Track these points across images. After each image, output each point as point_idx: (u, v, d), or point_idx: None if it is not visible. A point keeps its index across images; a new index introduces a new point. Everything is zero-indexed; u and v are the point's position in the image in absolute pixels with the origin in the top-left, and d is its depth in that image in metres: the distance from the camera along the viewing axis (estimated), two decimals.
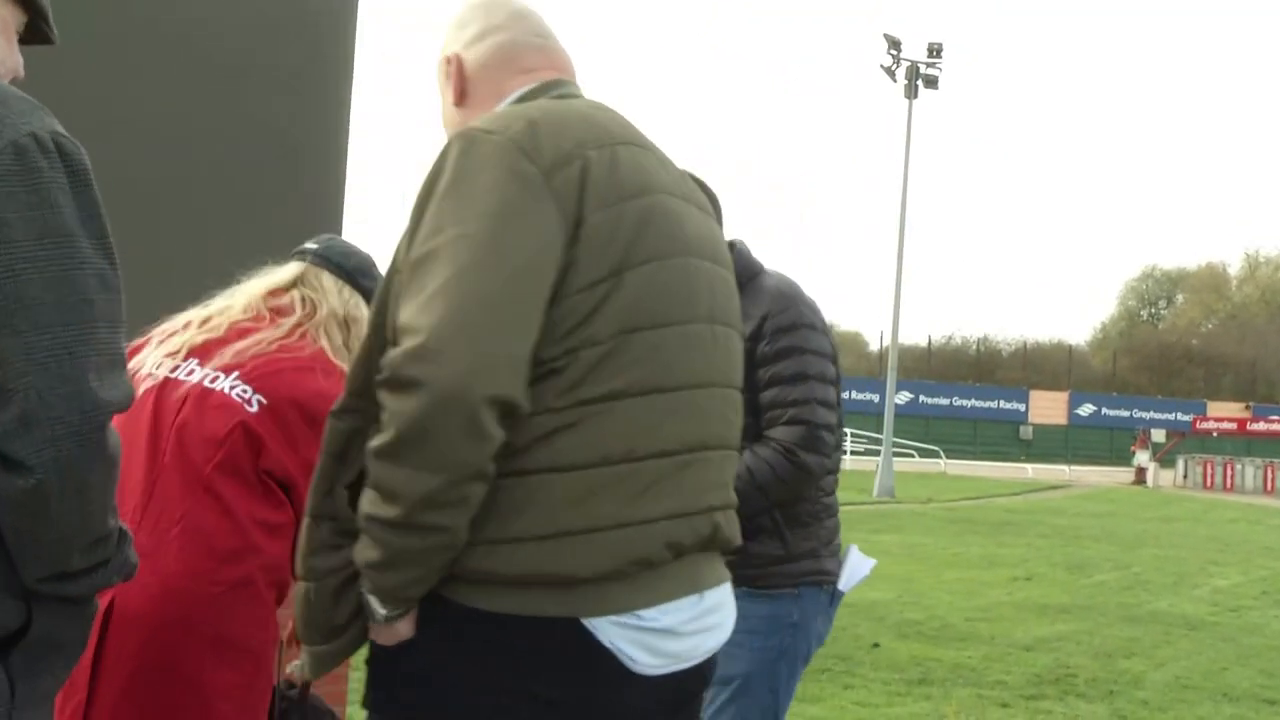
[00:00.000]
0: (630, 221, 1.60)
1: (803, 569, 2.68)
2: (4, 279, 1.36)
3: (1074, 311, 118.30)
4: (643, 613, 1.56)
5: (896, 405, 40.73)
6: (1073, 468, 41.29)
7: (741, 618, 2.48)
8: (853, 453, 38.77)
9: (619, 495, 1.55)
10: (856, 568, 2.86)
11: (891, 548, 14.45)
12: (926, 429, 46.19)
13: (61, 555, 1.43)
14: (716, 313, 1.70)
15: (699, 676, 1.69)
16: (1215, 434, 41.70)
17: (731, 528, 1.72)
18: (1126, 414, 49.92)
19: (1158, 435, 38.08)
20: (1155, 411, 49.74)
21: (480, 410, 1.44)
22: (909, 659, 7.48)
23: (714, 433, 1.67)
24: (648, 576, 1.57)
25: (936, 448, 41.39)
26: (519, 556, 1.51)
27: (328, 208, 4.17)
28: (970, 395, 50.76)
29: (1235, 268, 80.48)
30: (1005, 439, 48.89)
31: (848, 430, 40.05)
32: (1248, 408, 51.32)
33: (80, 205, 1.43)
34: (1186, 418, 45.94)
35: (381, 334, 1.60)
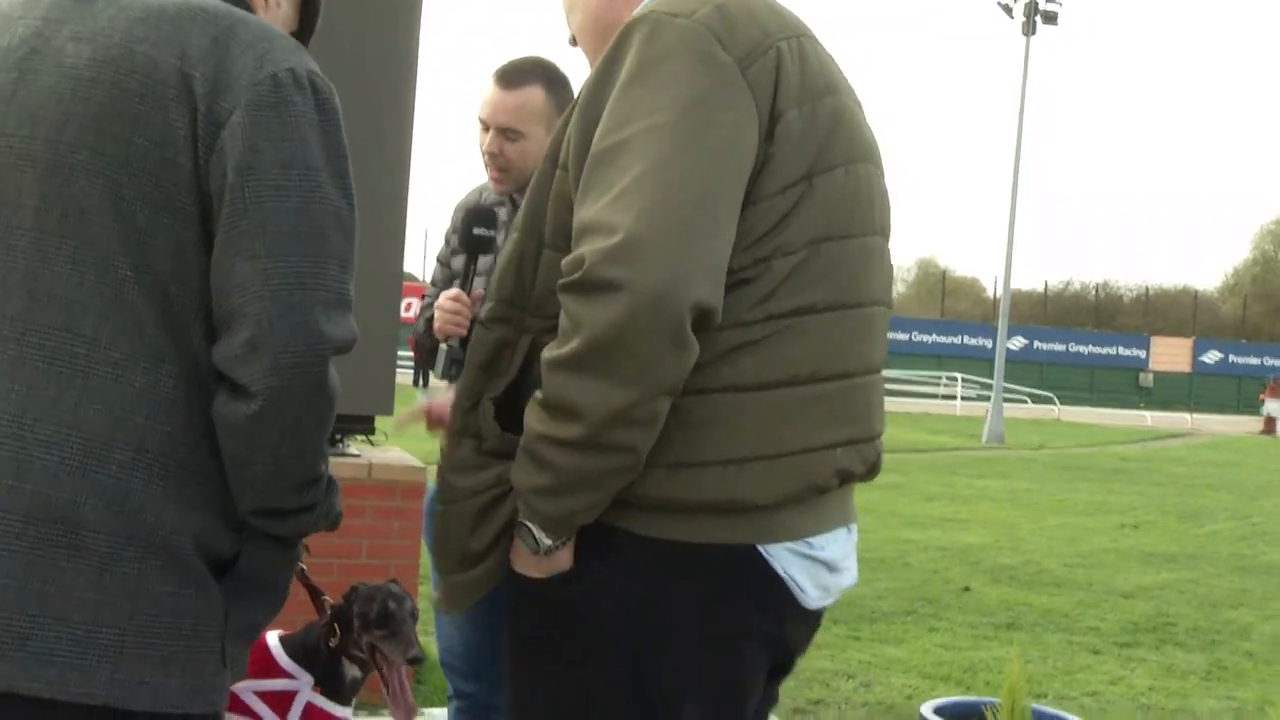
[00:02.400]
0: (823, 121, 1.48)
1: None
2: (251, 204, 1.34)
3: (1203, 257, 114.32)
4: (812, 540, 1.47)
5: (1011, 351, 39.87)
6: (1196, 416, 39.99)
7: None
8: (963, 398, 38.11)
9: (804, 418, 1.44)
10: None
11: (995, 493, 14.17)
12: (1041, 375, 45.10)
13: (274, 490, 1.40)
14: (884, 225, 1.60)
15: (819, 616, 1.61)
16: None
17: (880, 459, 1.60)
18: (1257, 361, 48.07)
19: None
20: None
21: (685, 317, 1.32)
22: (999, 603, 7.31)
23: (880, 354, 1.59)
24: (817, 502, 1.47)
25: (1051, 394, 40.46)
26: (702, 482, 1.41)
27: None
28: (1088, 341, 49.36)
29: None
30: (1124, 386, 47.53)
31: (959, 375, 39.44)
32: None
33: (327, 143, 1.41)
34: None
35: (537, 236, 1.49)
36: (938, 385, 40.89)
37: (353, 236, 1.42)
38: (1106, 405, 42.59)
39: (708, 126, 1.37)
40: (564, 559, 1.43)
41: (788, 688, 5.17)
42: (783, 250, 1.42)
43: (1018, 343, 46.08)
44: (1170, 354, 49.29)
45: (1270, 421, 35.47)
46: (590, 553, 1.43)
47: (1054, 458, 21.33)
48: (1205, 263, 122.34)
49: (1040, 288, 58.71)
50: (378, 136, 4.16)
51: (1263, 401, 36.83)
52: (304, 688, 2.04)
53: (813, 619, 1.54)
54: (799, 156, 1.44)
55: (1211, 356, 49.51)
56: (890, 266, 1.63)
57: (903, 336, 47.18)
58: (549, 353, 1.37)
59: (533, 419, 1.39)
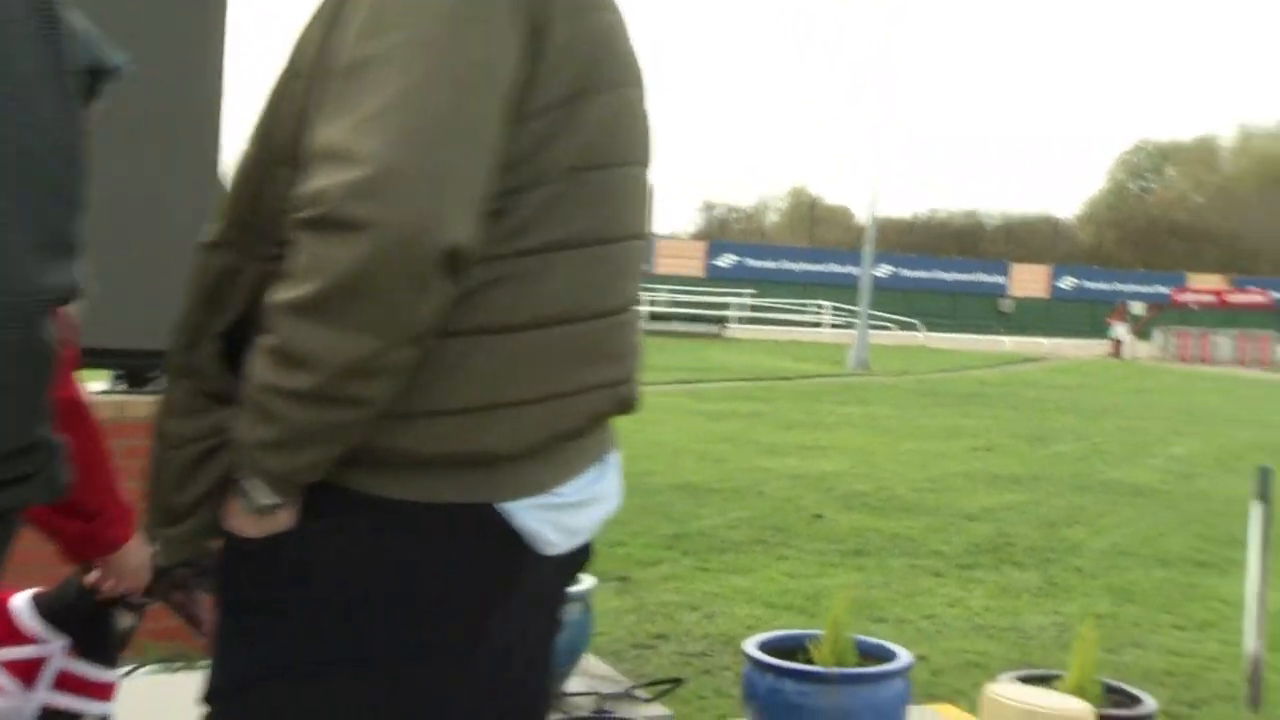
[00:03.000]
0: (594, 37, 1.36)
1: None
2: None
3: (1063, 186, 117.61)
4: (560, 489, 1.38)
5: (877, 279, 40.50)
6: (1051, 340, 41.40)
7: None
8: (831, 326, 38.79)
9: (556, 361, 1.34)
10: None
11: (855, 419, 14.45)
12: (906, 302, 46.10)
13: None
14: (646, 154, 1.49)
15: (584, 551, 1.53)
16: (1194, 306, 41.71)
17: (639, 391, 1.53)
18: (1108, 287, 49.85)
19: (1136, 308, 38.09)
20: (1137, 285, 49.63)
21: (438, 260, 1.20)
22: (849, 530, 7.44)
23: (636, 289, 1.50)
24: (567, 449, 1.38)
25: (915, 321, 41.39)
26: (437, 432, 1.29)
27: None
28: (951, 268, 50.58)
29: (1228, 140, 79.83)
30: (985, 312, 48.88)
31: (826, 303, 40.07)
32: (1229, 280, 51.29)
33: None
34: (1167, 291, 45.91)
35: (270, 151, 1.33)
36: (805, 313, 41.49)
37: (79, 164, 1.28)
38: (969, 331, 43.76)
39: (470, 41, 1.25)
40: (284, 518, 1.32)
41: (628, 623, 5.21)
42: (538, 180, 1.31)
43: (884, 270, 46.93)
44: (1029, 281, 50.81)
45: (1117, 344, 36.88)
46: (312, 511, 1.32)
47: (915, 383, 21.85)
48: (1066, 191, 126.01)
49: (908, 216, 59.81)
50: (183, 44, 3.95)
51: (1110, 325, 38.28)
52: (55, 653, 1.92)
53: (570, 559, 1.46)
54: (565, 75, 1.33)
55: (1068, 283, 51.19)
56: (648, 196, 1.57)
57: (772, 265, 47.72)
58: (280, 295, 1.23)
59: (259, 367, 1.26)
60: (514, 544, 1.34)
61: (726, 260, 47.69)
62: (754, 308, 41.47)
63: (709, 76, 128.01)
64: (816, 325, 39.97)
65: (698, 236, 56.33)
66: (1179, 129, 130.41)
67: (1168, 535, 7.78)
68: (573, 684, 2.93)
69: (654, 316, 36.47)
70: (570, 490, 1.38)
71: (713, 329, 36.23)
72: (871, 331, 28.24)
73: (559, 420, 1.35)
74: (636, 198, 1.46)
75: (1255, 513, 4.24)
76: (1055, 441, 13.15)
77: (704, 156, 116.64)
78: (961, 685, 4.52)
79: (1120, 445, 13.03)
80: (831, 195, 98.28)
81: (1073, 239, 64.13)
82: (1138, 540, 7.59)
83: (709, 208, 63.25)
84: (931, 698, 4.27)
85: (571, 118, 1.33)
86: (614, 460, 1.52)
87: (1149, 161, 79.78)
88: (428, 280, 1.20)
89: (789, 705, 3.02)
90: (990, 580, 6.33)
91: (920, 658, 4.90)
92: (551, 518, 1.36)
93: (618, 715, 2.71)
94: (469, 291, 1.28)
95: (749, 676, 3.15)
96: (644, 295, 32.85)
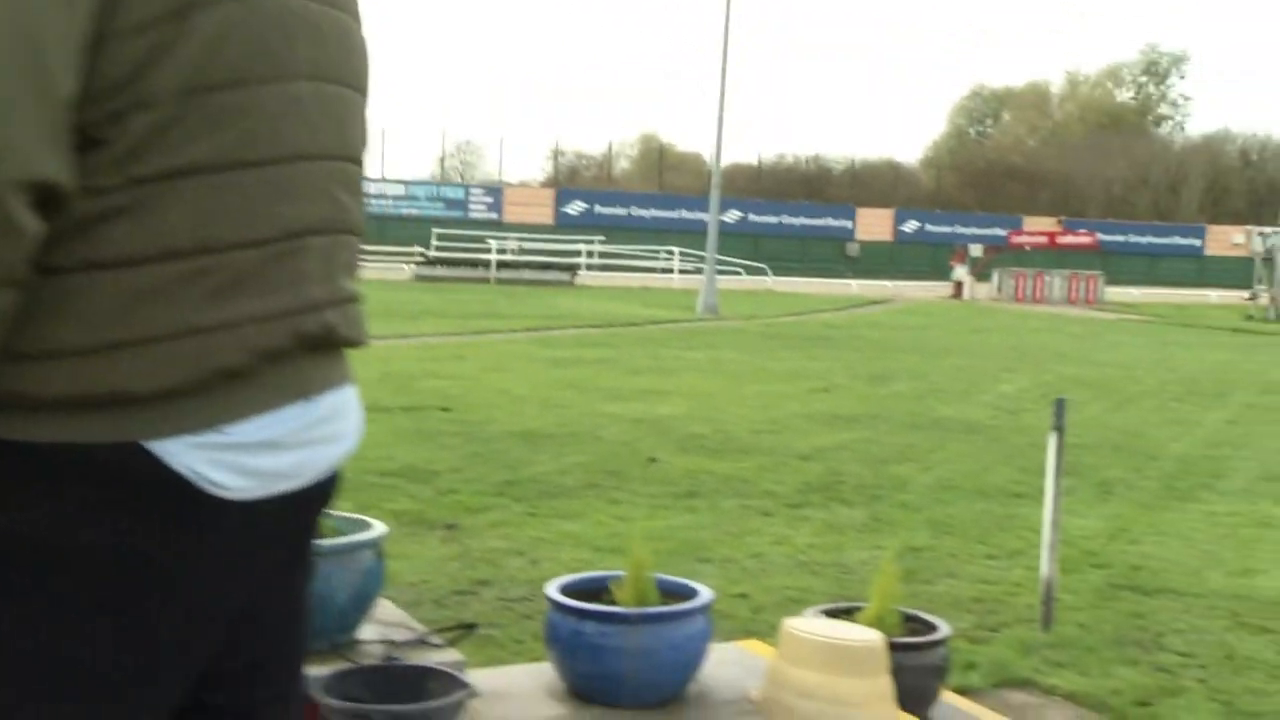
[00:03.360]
0: None
1: None
2: None
3: (906, 131, 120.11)
4: (229, 428, 1.27)
5: (726, 224, 40.84)
6: (896, 283, 42.41)
7: None
8: (681, 272, 39.01)
9: (188, 295, 1.23)
10: None
11: (700, 364, 14.56)
12: (755, 247, 46.65)
13: None
14: (327, 68, 1.37)
15: (319, 496, 1.42)
16: (1028, 248, 43.14)
17: (352, 325, 1.41)
18: (949, 230, 51.19)
19: (975, 250, 39.21)
20: (977, 227, 51.07)
21: (7, 198, 1.10)
22: (683, 473, 7.49)
23: (322, 215, 1.36)
24: (233, 387, 1.27)
25: (764, 265, 41.93)
26: (57, 375, 1.20)
27: None
28: (799, 213, 51.30)
29: (1058, 86, 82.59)
30: (833, 256, 49.79)
31: (676, 249, 40.26)
32: (1060, 222, 53.19)
33: None
34: (1004, 233, 47.38)
35: None
36: (656, 259, 41.65)
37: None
38: (817, 275, 44.53)
39: None
40: None
41: (451, 570, 5.15)
42: (144, 102, 1.20)
43: (733, 215, 47.37)
44: (874, 224, 51.88)
45: (958, 286, 37.99)
46: None
47: (762, 327, 22.15)
48: (910, 136, 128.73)
49: (755, 162, 60.37)
50: None
51: (952, 267, 39.38)
52: None
53: (275, 509, 1.34)
54: None
55: (910, 226, 52.42)
56: (359, 114, 1.45)
57: (621, 211, 47.71)
58: None
59: None
60: (176, 487, 1.24)
61: (575, 208, 47.51)
62: (604, 255, 41.46)
63: (559, 19, 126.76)
64: (667, 272, 40.16)
65: (546, 184, 55.95)
66: (1012, 75, 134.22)
67: (991, 469, 8.03)
68: (365, 631, 2.85)
69: (503, 265, 36.19)
70: (247, 430, 1.28)
71: (564, 277, 36.11)
72: (721, 277, 28.52)
73: (208, 356, 1.24)
74: (301, 115, 1.33)
75: (1051, 442, 4.38)
76: (894, 381, 13.47)
77: (553, 104, 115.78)
78: (780, 621, 4.58)
79: (955, 384, 13.41)
80: (683, 143, 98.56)
81: (915, 183, 65.65)
82: (962, 475, 7.82)
83: (558, 155, 62.78)
84: (749, 634, 4.32)
85: (180, 33, 1.20)
86: (338, 399, 1.42)
87: (986, 106, 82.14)
88: (8, 219, 1.11)
89: (591, 646, 3.00)
90: (818, 518, 6.44)
91: (742, 595, 4.98)
92: (223, 459, 1.26)
93: (407, 662, 2.64)
94: (79, 225, 1.19)
95: (551, 620, 3.11)
96: (493, 244, 32.18)
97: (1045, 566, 4.50)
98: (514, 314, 22.34)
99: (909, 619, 3.54)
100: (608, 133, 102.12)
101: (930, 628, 3.53)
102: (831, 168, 64.93)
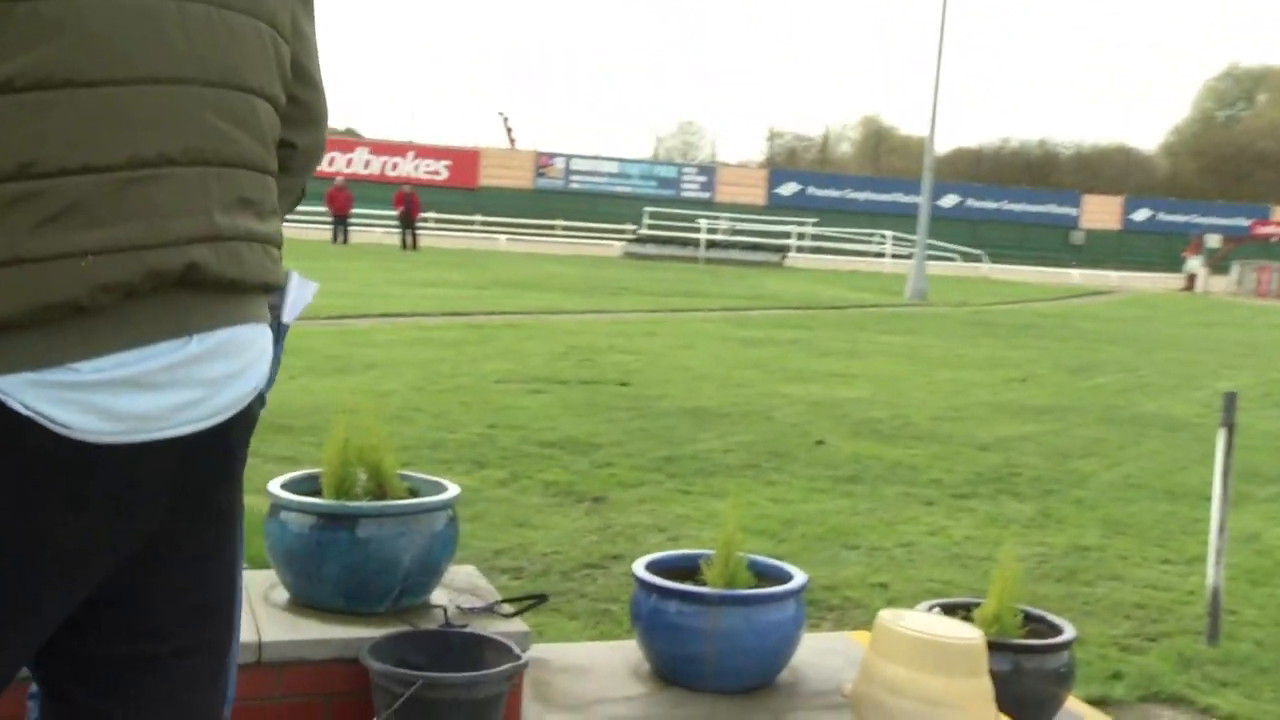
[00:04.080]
0: None
1: None
2: None
3: (1141, 115, 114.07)
4: (79, 365, 1.20)
5: (943, 209, 39.79)
6: (1123, 274, 40.37)
7: None
8: (894, 256, 38.14)
9: (13, 222, 1.17)
10: (299, 295, 2.53)
11: (895, 348, 14.16)
12: (973, 233, 45.17)
13: None
14: None
15: (215, 443, 1.32)
16: (1274, 239, 40.34)
17: (237, 264, 1.31)
18: (1184, 219, 48.37)
19: (1212, 241, 36.94)
20: (1216, 217, 48.10)
21: None
22: (849, 457, 7.26)
23: (190, 144, 1.27)
24: (81, 322, 1.21)
25: (980, 252, 40.59)
26: None
27: None
28: (1021, 199, 49.36)
29: None
30: (1055, 244, 47.74)
31: (889, 233, 39.39)
32: None
33: None
34: (1247, 223, 44.46)
35: None
36: (868, 243, 40.86)
37: None
38: (1037, 263, 42.82)
39: None
40: None
41: (587, 543, 5.11)
42: None
43: (950, 200, 46.01)
44: (1101, 212, 49.48)
45: (1191, 278, 35.87)
46: None
47: (970, 314, 21.41)
48: (1143, 121, 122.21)
49: (976, 146, 58.45)
50: None
51: (1185, 259, 37.21)
52: None
53: (153, 455, 1.25)
54: None
55: (1142, 214, 49.76)
56: (243, 34, 1.34)
57: (835, 194, 46.96)
58: None
59: None
60: (13, 426, 1.17)
61: (788, 189, 47.01)
62: (815, 237, 40.91)
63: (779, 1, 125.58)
64: (879, 256, 39.34)
65: (763, 165, 55.60)
66: (1272, 54, 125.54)
67: (1186, 469, 7.49)
68: (437, 595, 2.82)
69: (712, 244, 36.16)
70: (103, 366, 1.20)
71: (773, 258, 35.83)
72: (934, 263, 27.76)
73: (41, 288, 1.16)
74: (157, 31, 1.24)
75: (1220, 439, 4.00)
76: (1098, 374, 12.77)
77: (771, 85, 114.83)
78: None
79: (1166, 379, 12.62)
80: (906, 126, 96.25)
81: (1148, 170, 62.29)
82: (1152, 473, 7.32)
83: (775, 136, 62.29)
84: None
85: None
86: (228, 339, 1.31)
87: (1238, 88, 77.05)
88: None
89: (670, 626, 2.89)
90: (982, 510, 6.12)
91: (880, 585, 4.77)
92: (73, 398, 1.19)
93: (465, 629, 2.59)
94: None
95: (635, 597, 3.02)
96: (703, 223, 32.24)
97: (1211, 574, 4.13)
98: (715, 293, 22.27)
99: (1032, 619, 3.29)
100: (828, 115, 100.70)
101: (1054, 630, 3.27)
102: (1059, 152, 62.29)
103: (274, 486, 2.75)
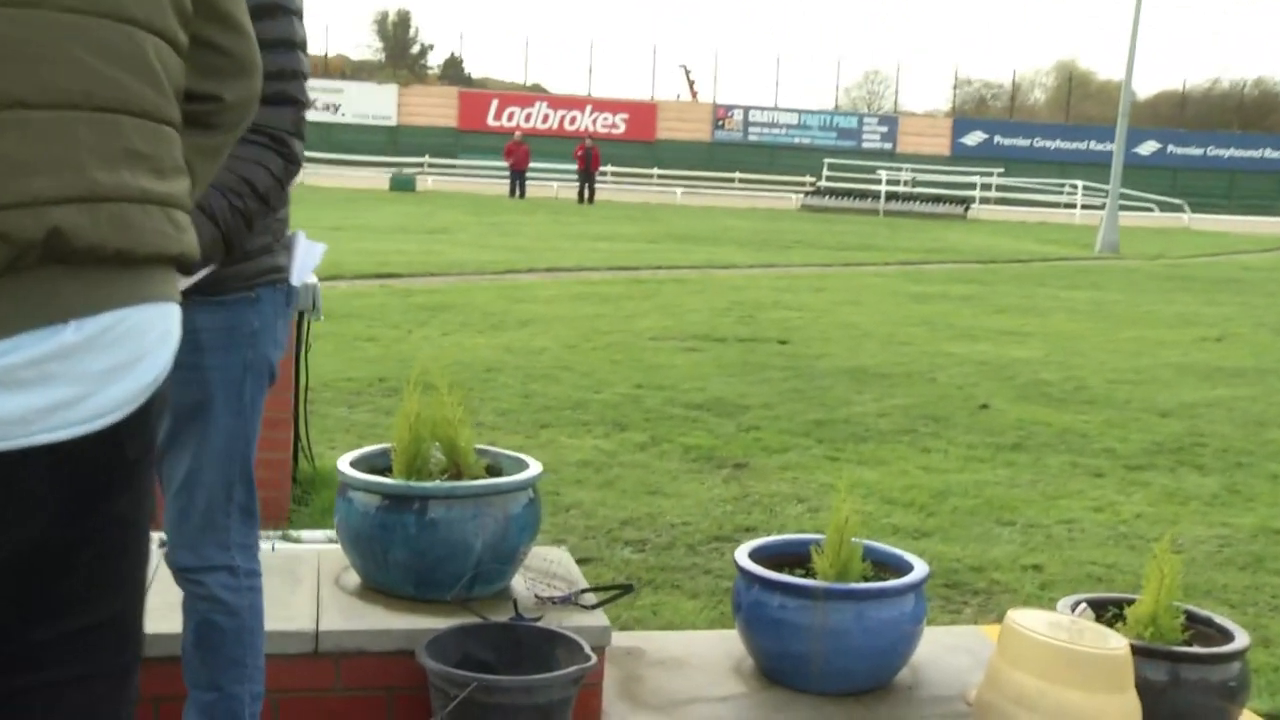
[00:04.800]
0: None
1: (259, 268, 2.15)
2: None
3: None
4: None
5: (1140, 156, 37.73)
6: None
7: (189, 333, 2.03)
8: (1084, 207, 36.39)
9: None
10: (307, 257, 2.32)
11: (1077, 304, 13.40)
12: (1174, 182, 42.72)
13: None
14: None
15: (103, 450, 1.12)
16: None
17: (116, 228, 1.09)
18: None
19: None
20: None
21: None
22: (1013, 423, 6.80)
23: (46, 81, 1.08)
24: None
25: (1181, 202, 38.36)
26: None
27: None
28: (1229, 144, 46.36)
29: None
30: (1269, 192, 44.73)
31: (1080, 183, 37.56)
32: None
33: None
34: None
35: None
36: (1059, 194, 39.09)
37: None
38: (1247, 213, 40.25)
39: None
40: None
41: (720, 513, 4.85)
42: None
43: (1148, 148, 43.66)
44: None
45: None
46: None
47: (1164, 267, 20.19)
48: None
49: (1180, 89, 55.16)
50: None
51: None
52: None
53: (13, 465, 1.07)
54: None
55: None
56: None
57: (1023, 143, 45.05)
58: None
59: None
60: None
61: (974, 139, 45.29)
62: (1002, 188, 39.34)
63: None
64: (1070, 207, 37.59)
65: (948, 114, 53.78)
66: None
67: None
68: (517, 581, 2.62)
69: (892, 197, 35.17)
70: None
71: (955, 210, 34.63)
72: (1129, 213, 26.32)
73: None
74: None
75: None
76: None
77: (959, 31, 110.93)
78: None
79: None
80: (1105, 70, 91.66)
81: None
82: None
83: (962, 84, 60.07)
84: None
85: None
86: (117, 324, 1.11)
87: None
88: None
89: (772, 621, 2.63)
90: (1158, 484, 5.62)
91: (1034, 567, 4.39)
92: None
93: (538, 622, 2.38)
94: None
95: (737, 586, 2.77)
96: (884, 175, 31.29)
97: None
98: (891, 246, 21.58)
99: (1198, 621, 2.90)
100: (1019, 61, 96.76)
101: (1224, 635, 2.87)
102: (1277, 92, 58.27)
103: (344, 463, 2.59)
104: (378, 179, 34.74)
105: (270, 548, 2.81)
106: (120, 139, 1.11)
